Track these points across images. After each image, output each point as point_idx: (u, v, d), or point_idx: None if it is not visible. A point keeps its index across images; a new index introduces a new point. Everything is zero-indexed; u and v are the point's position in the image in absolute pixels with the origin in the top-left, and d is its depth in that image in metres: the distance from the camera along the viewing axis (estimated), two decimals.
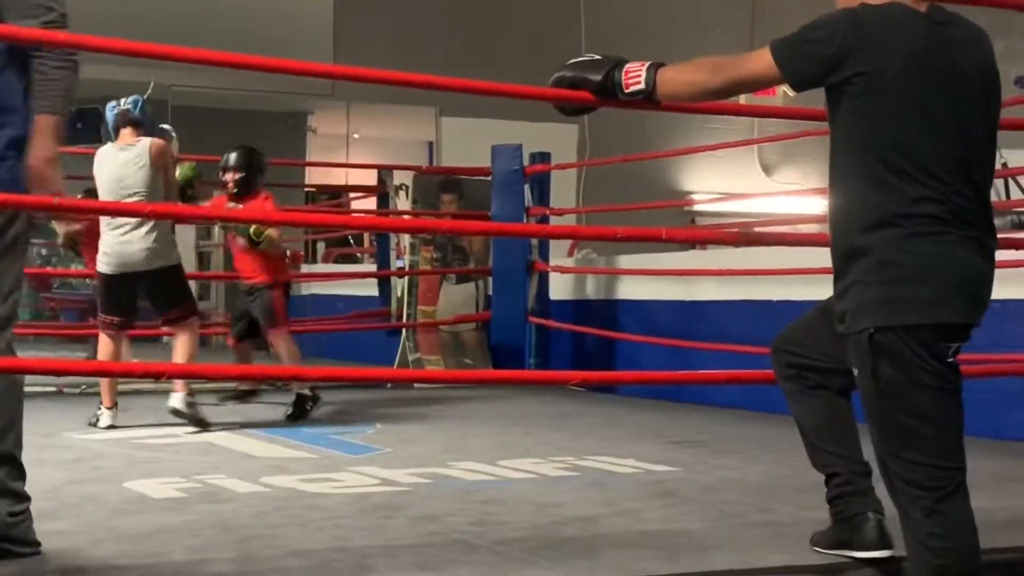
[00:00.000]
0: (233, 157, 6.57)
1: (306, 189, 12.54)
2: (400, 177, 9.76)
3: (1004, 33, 14.81)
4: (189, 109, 11.21)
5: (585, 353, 8.45)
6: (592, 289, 8.68)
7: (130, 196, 5.88)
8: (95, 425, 5.98)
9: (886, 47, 2.50)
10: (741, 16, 13.88)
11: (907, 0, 2.56)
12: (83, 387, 7.65)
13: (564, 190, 11.44)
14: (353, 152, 12.70)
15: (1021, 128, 3.93)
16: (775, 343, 3.13)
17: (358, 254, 12.83)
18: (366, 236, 12.92)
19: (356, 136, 12.74)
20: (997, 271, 3.62)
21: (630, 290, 8.19)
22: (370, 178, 11.51)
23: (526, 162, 8.43)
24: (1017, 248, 3.90)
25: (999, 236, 2.70)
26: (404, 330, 8.58)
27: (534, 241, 8.47)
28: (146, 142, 6.02)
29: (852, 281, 2.56)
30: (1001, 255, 4.23)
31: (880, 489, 2.77)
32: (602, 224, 7.53)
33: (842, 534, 3.08)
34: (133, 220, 5.87)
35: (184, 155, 6.97)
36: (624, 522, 3.69)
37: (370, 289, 10.57)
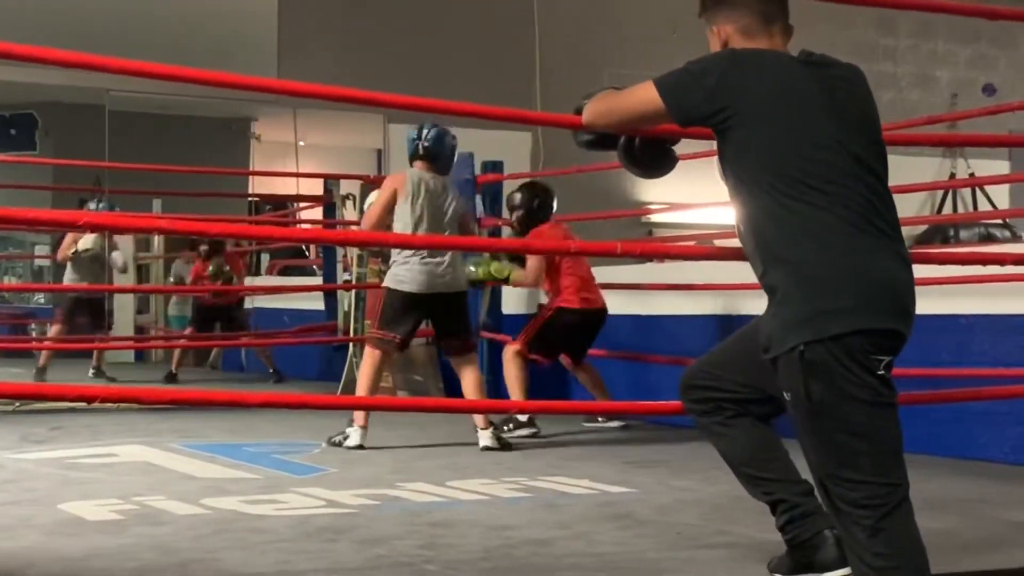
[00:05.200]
0: (516, 197, 6.84)
1: (250, 199, 12.34)
2: (347, 187, 9.62)
3: (972, 40, 14.92)
4: (128, 115, 10.99)
5: (538, 369, 8.30)
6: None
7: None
8: (339, 444, 5.85)
9: (759, 77, 2.68)
10: (698, 20, 13.85)
11: (778, 47, 2.79)
12: (16, 404, 7.42)
13: None
14: (300, 160, 12.53)
15: (988, 143, 3.88)
16: (684, 380, 3.09)
17: (308, 266, 12.65)
18: (312, 247, 12.74)
19: (302, 143, 12.57)
20: (965, 286, 3.54)
21: None
22: (316, 187, 11.33)
23: (478, 171, 8.27)
24: (984, 263, 3.82)
25: (968, 249, 2.66)
26: (351, 345, 8.42)
27: (487, 253, 8.33)
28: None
29: (775, 303, 2.61)
30: (969, 270, 4.14)
31: None
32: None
33: (802, 558, 3.01)
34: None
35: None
36: (578, 545, 3.61)
37: (316, 303, 10.42)
